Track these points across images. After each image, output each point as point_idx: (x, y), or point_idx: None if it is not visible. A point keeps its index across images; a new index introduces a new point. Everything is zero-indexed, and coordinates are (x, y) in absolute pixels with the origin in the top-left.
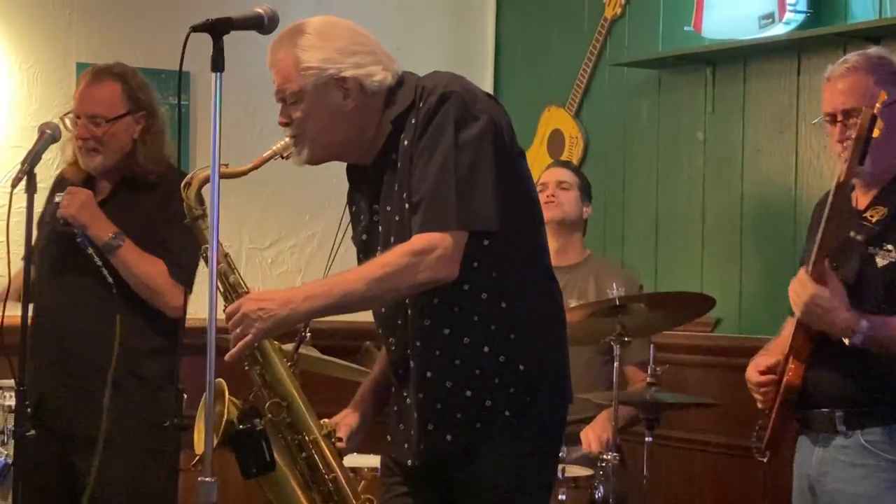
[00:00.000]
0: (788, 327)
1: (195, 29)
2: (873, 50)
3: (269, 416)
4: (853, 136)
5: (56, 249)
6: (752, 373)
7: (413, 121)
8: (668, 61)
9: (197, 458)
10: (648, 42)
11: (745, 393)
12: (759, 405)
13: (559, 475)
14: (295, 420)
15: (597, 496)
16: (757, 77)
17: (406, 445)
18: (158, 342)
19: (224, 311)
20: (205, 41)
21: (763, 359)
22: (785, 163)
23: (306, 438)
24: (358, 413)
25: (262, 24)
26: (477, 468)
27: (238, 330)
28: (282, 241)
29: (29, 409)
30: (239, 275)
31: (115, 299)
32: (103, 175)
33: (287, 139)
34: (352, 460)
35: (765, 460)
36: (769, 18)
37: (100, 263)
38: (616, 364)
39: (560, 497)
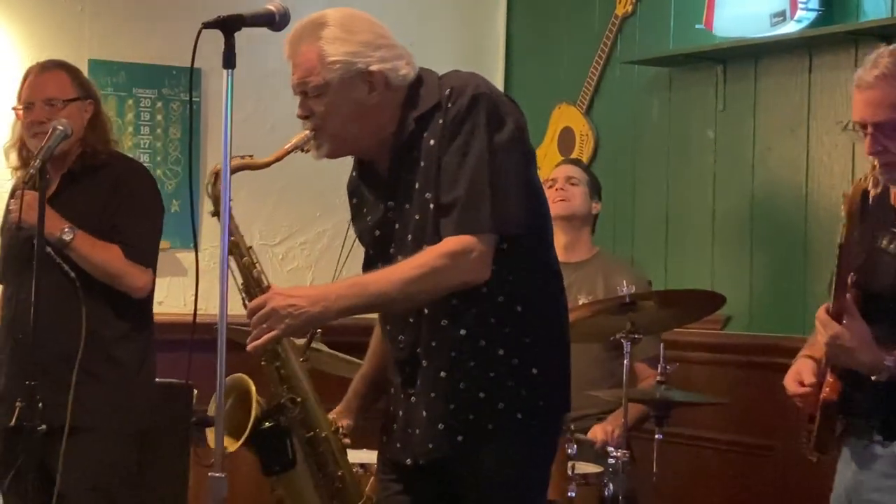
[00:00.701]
0: None
1: (207, 25)
2: None
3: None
4: (844, 211)
5: (20, 253)
6: (792, 383)
7: (441, 121)
8: (678, 59)
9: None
10: (659, 40)
11: (754, 391)
12: (801, 408)
13: (569, 472)
14: (307, 416)
15: (606, 493)
16: (768, 75)
17: (398, 445)
18: (128, 328)
19: (246, 305)
20: (216, 38)
21: (803, 365)
22: (795, 161)
23: (318, 435)
24: (351, 413)
25: (274, 20)
26: (482, 465)
27: (264, 325)
28: (292, 238)
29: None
30: (261, 269)
31: (79, 292)
32: (55, 164)
33: (307, 132)
34: (362, 456)
35: (815, 460)
36: (780, 16)
37: (58, 260)
38: (626, 361)
39: (570, 494)
